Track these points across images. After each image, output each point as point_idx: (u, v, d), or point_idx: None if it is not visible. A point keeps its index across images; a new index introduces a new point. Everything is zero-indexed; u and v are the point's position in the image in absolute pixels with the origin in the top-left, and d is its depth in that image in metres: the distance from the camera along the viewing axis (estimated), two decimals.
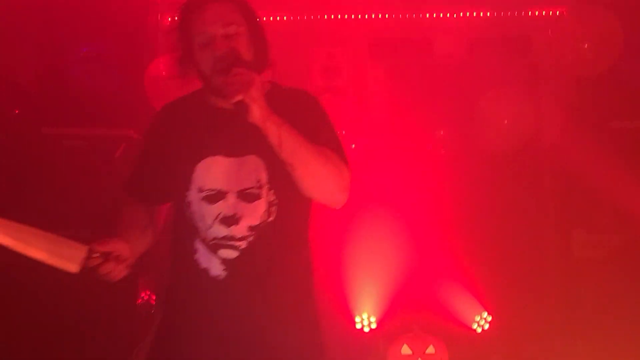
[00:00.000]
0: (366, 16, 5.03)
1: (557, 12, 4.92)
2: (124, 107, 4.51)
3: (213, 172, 2.34)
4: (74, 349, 4.15)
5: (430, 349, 4.40)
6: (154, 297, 4.65)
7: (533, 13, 4.98)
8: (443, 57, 4.94)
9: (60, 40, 4.48)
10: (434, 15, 5.01)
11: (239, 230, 2.31)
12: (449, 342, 4.48)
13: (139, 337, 4.21)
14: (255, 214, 2.31)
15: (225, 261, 2.31)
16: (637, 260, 4.59)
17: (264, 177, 2.33)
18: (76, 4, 4.57)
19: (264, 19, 4.41)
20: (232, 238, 2.31)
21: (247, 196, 2.32)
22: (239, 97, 2.09)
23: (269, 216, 2.33)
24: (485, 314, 4.67)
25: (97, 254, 2.10)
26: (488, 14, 4.99)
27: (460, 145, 4.87)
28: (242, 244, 2.31)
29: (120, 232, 2.31)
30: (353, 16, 5.03)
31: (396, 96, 4.99)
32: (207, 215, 2.32)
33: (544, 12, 4.96)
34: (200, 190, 2.34)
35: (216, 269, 2.31)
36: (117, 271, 2.16)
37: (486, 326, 4.68)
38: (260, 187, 2.32)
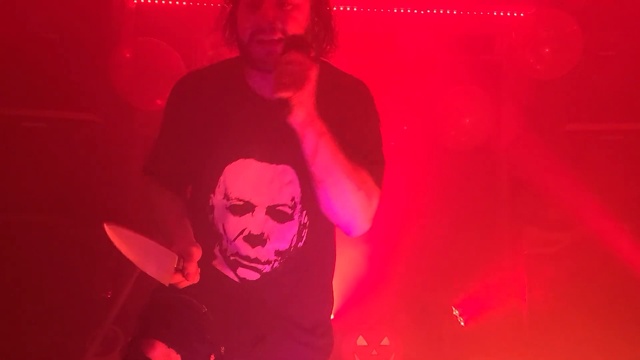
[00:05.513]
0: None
1: (522, 14, 4.99)
2: (88, 91, 4.45)
3: (243, 178, 2.01)
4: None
5: (385, 341, 4.47)
6: None
7: (498, 13, 5.05)
8: (407, 53, 4.98)
9: (23, 22, 4.37)
10: (400, 10, 5.02)
11: (265, 253, 2.03)
12: (404, 334, 4.55)
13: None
14: (284, 237, 2.02)
15: (243, 281, 2.05)
16: (584, 258, 4.73)
17: (298, 194, 2.02)
18: None
19: None
20: (255, 260, 2.03)
21: (277, 214, 2.02)
22: (287, 95, 1.73)
23: (299, 241, 2.05)
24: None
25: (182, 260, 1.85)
26: (455, 12, 5.04)
27: (421, 141, 4.94)
28: (266, 268, 2.04)
29: (176, 231, 1.95)
30: None
31: None
32: (231, 228, 2.03)
33: (508, 14, 5.04)
34: (227, 197, 2.02)
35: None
36: (196, 273, 1.86)
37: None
38: (293, 207, 2.02)
